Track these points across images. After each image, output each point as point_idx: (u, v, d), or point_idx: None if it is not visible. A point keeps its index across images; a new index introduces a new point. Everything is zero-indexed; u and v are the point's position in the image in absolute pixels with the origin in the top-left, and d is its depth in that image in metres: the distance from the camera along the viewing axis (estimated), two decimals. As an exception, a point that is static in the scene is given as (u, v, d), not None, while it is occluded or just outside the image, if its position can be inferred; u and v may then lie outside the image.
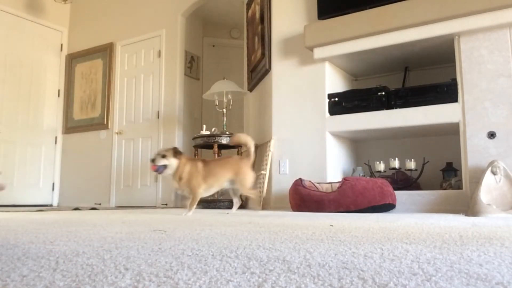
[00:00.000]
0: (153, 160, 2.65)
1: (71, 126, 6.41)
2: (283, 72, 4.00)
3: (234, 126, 5.88)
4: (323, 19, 3.65)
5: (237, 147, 4.58)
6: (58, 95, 6.49)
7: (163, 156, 2.65)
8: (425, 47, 3.42)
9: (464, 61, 3.10)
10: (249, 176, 2.90)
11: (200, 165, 2.76)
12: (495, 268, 0.68)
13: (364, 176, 3.65)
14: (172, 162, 2.66)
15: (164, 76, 5.67)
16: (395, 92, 3.41)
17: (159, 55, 5.72)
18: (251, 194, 2.95)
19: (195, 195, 2.71)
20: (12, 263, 0.74)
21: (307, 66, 3.84)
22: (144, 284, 0.57)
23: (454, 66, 3.21)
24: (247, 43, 5.04)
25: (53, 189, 6.33)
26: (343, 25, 3.49)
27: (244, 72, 5.26)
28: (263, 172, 4.00)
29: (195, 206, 2.73)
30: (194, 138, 4.67)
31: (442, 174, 3.54)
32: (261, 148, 4.44)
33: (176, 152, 2.70)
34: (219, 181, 2.83)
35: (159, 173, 2.69)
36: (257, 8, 4.52)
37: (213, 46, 6.58)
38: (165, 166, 2.64)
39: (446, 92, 3.16)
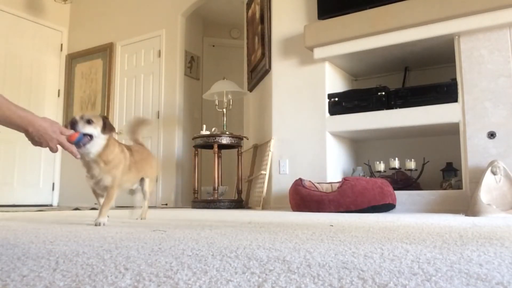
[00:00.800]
0: (73, 125, 1.64)
1: (71, 126, 6.40)
2: (283, 72, 4.00)
3: (234, 126, 5.88)
4: (323, 19, 3.65)
5: (237, 146, 4.58)
6: (58, 95, 6.49)
7: (89, 122, 1.68)
8: (425, 47, 3.42)
9: (464, 61, 3.10)
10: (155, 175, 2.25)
11: (126, 151, 1.93)
12: (495, 268, 0.68)
13: (364, 176, 3.65)
14: (100, 135, 1.71)
15: (164, 76, 5.67)
16: (395, 92, 3.41)
17: (159, 55, 5.72)
18: (148, 200, 2.30)
19: (114, 190, 1.83)
20: (12, 263, 0.74)
21: (307, 66, 3.84)
22: (144, 284, 0.57)
23: (454, 66, 3.21)
24: (247, 43, 5.04)
25: (53, 189, 6.32)
26: (343, 25, 3.49)
27: (244, 72, 5.26)
28: (263, 172, 3.99)
29: (109, 207, 1.84)
30: (194, 138, 4.67)
31: (442, 174, 3.54)
32: (261, 148, 4.44)
33: (106, 124, 1.74)
34: (136, 178, 2.08)
35: (80, 147, 1.63)
36: (257, 8, 4.52)
37: (213, 46, 6.58)
38: (90, 138, 1.67)
39: (446, 92, 3.16)
